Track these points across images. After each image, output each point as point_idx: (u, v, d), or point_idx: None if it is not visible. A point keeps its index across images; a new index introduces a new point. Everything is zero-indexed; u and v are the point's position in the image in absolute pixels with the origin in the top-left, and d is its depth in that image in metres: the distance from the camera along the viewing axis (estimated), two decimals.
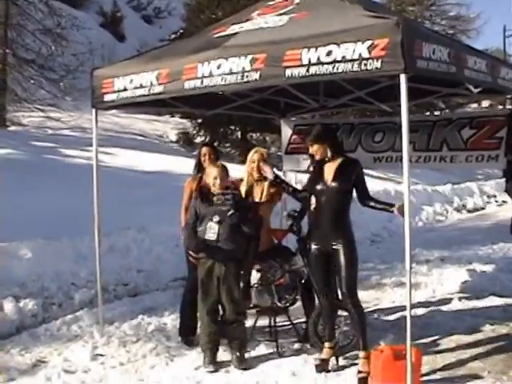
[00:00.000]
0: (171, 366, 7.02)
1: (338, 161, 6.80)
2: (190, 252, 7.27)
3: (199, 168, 7.78)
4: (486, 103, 40.56)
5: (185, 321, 7.73)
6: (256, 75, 6.10)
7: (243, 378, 6.54)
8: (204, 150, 7.81)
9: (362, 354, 6.55)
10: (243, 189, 7.54)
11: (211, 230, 6.81)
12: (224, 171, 6.99)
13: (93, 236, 8.01)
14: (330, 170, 6.79)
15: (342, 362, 6.81)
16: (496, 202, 24.35)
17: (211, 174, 6.98)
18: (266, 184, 7.49)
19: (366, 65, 5.52)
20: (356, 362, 6.71)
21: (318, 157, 6.83)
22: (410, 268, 5.68)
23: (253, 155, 7.59)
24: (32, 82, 22.90)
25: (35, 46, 22.92)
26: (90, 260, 9.01)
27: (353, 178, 6.78)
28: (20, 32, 22.82)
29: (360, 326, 6.63)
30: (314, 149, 6.83)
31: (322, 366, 6.62)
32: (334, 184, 6.71)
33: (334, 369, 6.64)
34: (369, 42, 5.50)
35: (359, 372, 6.42)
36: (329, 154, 6.79)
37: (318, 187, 6.78)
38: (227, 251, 6.77)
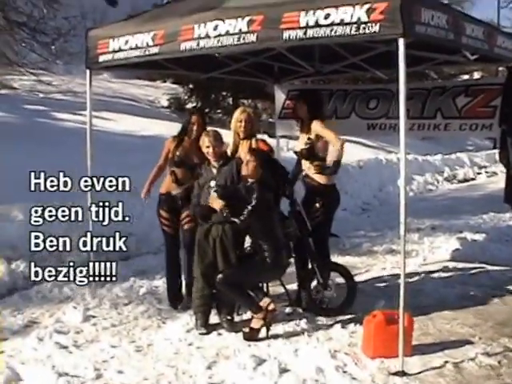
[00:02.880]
0: (163, 328, 7.04)
1: None
2: (161, 219, 7.51)
3: (184, 132, 7.68)
4: (477, 75, 40.48)
5: (171, 288, 7.76)
6: (253, 37, 6.06)
7: (235, 341, 6.55)
8: (193, 118, 7.67)
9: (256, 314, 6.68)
10: (229, 149, 7.50)
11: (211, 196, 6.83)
12: (216, 139, 6.98)
13: (84, 199, 7.98)
14: None
15: (334, 324, 6.88)
16: (486, 172, 24.41)
17: (204, 144, 6.98)
18: (253, 141, 7.44)
19: (364, 28, 5.49)
20: (348, 325, 6.80)
21: None
22: (405, 235, 5.69)
23: (240, 115, 7.51)
24: (23, 45, 22.65)
25: (27, 9, 22.60)
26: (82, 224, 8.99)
27: None
28: None
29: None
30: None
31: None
32: None
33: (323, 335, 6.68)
34: (367, 6, 5.46)
35: (250, 328, 6.62)
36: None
37: None
38: (225, 215, 6.76)
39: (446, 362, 5.91)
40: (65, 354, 6.27)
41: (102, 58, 7.53)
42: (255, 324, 6.60)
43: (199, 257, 6.93)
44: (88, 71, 7.84)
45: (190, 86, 24.47)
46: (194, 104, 24.31)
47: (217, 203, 6.67)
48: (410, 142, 19.66)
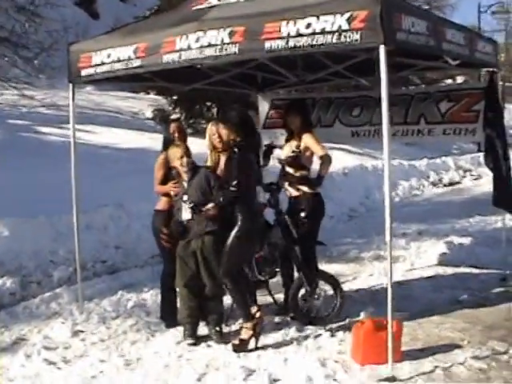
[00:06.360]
0: (152, 341, 7.02)
1: None
2: (162, 235, 7.23)
3: (168, 144, 7.41)
4: (460, 79, 40.74)
5: (166, 305, 7.51)
6: (235, 48, 6.07)
7: (224, 352, 6.53)
8: (173, 126, 7.58)
9: (244, 324, 6.69)
10: (209, 165, 7.29)
11: (186, 210, 6.83)
12: (187, 150, 7.01)
13: (70, 214, 7.98)
14: None
15: (322, 332, 6.87)
16: (471, 176, 24.46)
17: (177, 154, 6.95)
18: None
19: (345, 37, 5.51)
20: (337, 333, 6.81)
21: None
22: (391, 240, 5.70)
23: (211, 128, 7.24)
24: (6, 59, 22.60)
25: (8, 24, 22.55)
26: (68, 238, 8.97)
27: None
28: None
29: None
30: None
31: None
32: None
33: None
34: (348, 14, 5.48)
35: (240, 340, 6.57)
36: None
37: None
38: (203, 226, 6.77)
39: (436, 366, 5.92)
40: (53, 371, 6.25)
41: (84, 72, 7.50)
42: (244, 335, 6.58)
43: (180, 269, 6.92)
44: (71, 85, 7.81)
45: (174, 97, 24.43)
46: (179, 115, 24.26)
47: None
48: (395, 148, 19.89)
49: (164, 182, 7.32)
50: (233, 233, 6.58)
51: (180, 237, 6.92)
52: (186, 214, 6.84)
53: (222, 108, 7.11)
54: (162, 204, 7.39)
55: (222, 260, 6.63)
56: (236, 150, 6.66)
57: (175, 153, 6.94)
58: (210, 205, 6.66)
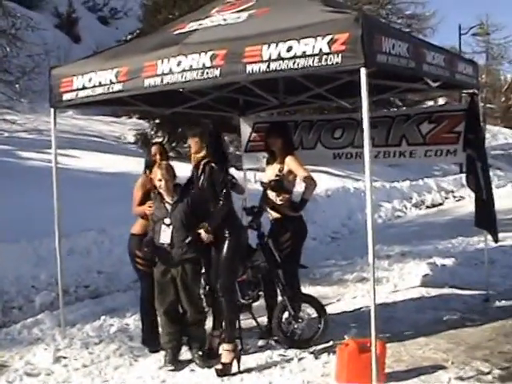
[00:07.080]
0: (135, 366, 6.96)
1: None
2: (137, 259, 7.18)
3: (149, 167, 7.33)
4: (442, 101, 41.02)
5: (147, 330, 7.46)
6: (216, 72, 6.09)
7: (208, 376, 6.49)
8: (154, 149, 7.48)
9: (225, 346, 6.66)
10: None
11: (165, 234, 6.76)
12: (169, 172, 6.86)
13: (52, 238, 7.93)
14: None
15: (306, 355, 6.84)
16: (454, 197, 24.61)
17: (155, 177, 6.85)
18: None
19: (326, 60, 5.54)
20: (321, 355, 6.78)
21: None
22: (374, 262, 5.70)
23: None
24: None
25: None
26: (50, 262, 8.92)
27: None
28: None
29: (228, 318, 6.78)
30: None
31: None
32: None
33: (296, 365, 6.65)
34: (329, 37, 5.52)
35: (222, 364, 6.53)
36: None
37: None
38: (182, 251, 6.71)
39: None
40: None
41: (65, 97, 7.49)
42: (226, 358, 6.55)
43: (159, 296, 6.87)
44: (52, 110, 7.78)
45: (156, 121, 24.40)
46: (161, 139, 24.22)
47: None
48: (378, 169, 19.97)
49: (143, 203, 7.23)
50: (225, 247, 6.62)
51: (151, 258, 6.89)
52: (164, 237, 6.76)
53: (191, 124, 7.21)
54: (137, 227, 7.34)
55: (218, 276, 6.70)
56: (213, 165, 6.68)
57: (156, 173, 6.88)
58: (202, 232, 6.63)
